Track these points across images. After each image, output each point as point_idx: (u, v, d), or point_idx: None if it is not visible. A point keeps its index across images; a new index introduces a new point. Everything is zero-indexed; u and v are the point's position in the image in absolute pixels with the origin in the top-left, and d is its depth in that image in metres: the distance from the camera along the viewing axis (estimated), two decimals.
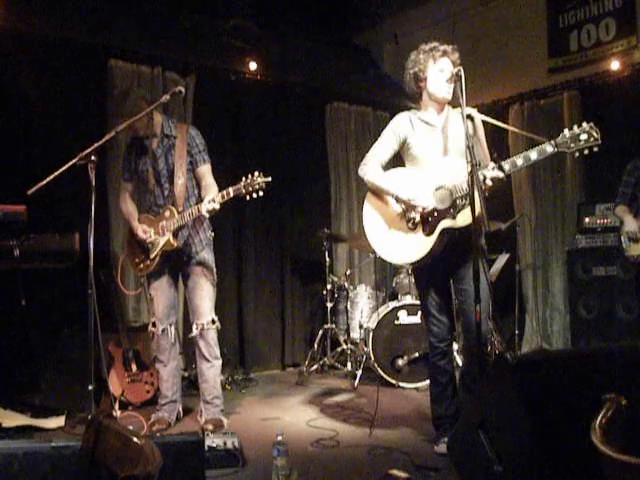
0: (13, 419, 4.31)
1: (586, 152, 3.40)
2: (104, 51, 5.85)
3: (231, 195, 4.00)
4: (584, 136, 3.37)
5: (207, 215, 4.10)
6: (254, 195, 3.94)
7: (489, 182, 3.48)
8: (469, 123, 3.68)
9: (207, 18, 7.04)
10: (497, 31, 7.55)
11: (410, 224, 3.72)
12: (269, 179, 3.93)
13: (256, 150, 6.85)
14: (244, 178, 3.96)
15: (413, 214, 3.71)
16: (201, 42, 6.70)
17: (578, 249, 6.24)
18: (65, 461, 2.74)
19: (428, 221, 3.67)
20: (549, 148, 3.41)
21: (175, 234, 4.30)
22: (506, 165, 3.50)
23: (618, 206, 5.20)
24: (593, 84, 6.65)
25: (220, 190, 4.12)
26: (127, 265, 4.69)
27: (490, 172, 3.49)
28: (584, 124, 3.40)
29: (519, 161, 3.48)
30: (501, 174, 3.48)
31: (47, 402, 4.59)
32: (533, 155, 3.44)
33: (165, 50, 6.24)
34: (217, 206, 4.02)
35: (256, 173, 3.93)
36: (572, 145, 3.38)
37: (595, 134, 3.36)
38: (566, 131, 3.41)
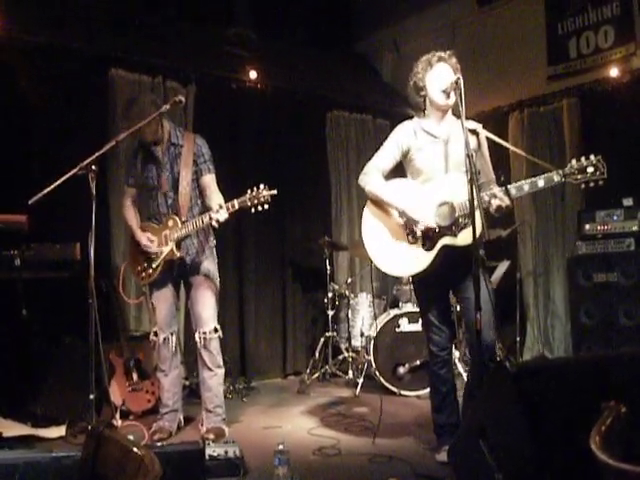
0: (14, 429, 4.30)
1: (591, 185, 3.41)
2: (105, 60, 5.87)
3: (236, 207, 3.99)
4: (591, 169, 3.40)
5: (216, 225, 4.05)
6: (259, 208, 3.93)
7: (494, 206, 3.50)
8: (473, 138, 3.68)
9: (207, 27, 7.07)
10: (496, 39, 7.57)
11: (411, 237, 3.71)
12: (275, 192, 3.93)
13: (256, 158, 6.87)
14: (249, 190, 3.95)
15: (415, 228, 3.70)
16: (201, 51, 6.72)
17: (579, 256, 6.22)
18: (66, 471, 2.75)
19: (429, 236, 3.66)
20: (556, 177, 3.45)
21: (178, 244, 4.30)
22: (513, 190, 3.53)
23: None
24: (592, 91, 6.65)
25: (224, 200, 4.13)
26: (129, 273, 4.69)
27: (497, 201, 3.51)
28: (592, 156, 3.42)
29: (526, 187, 3.51)
30: (507, 201, 3.51)
31: (48, 412, 4.59)
32: (540, 183, 3.48)
33: (166, 59, 6.26)
34: (227, 215, 3.99)
35: (262, 186, 3.93)
36: (579, 177, 3.41)
37: (602, 167, 3.39)
38: (574, 162, 3.44)
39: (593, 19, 6.72)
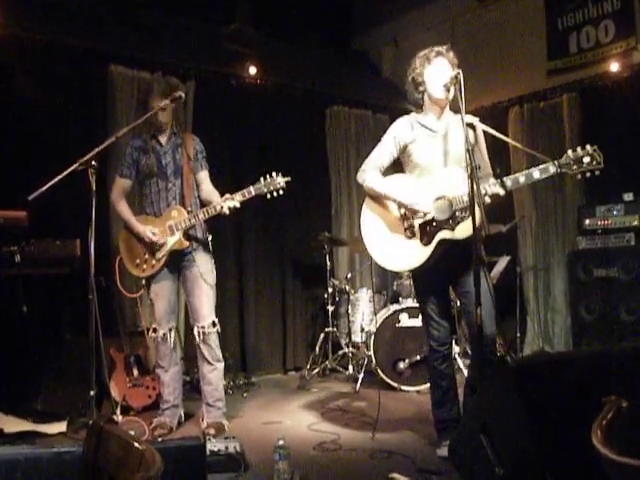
0: (15, 425, 4.31)
1: (588, 175, 3.39)
2: (104, 57, 5.86)
3: (252, 194, 4.12)
4: (587, 159, 3.36)
5: (228, 213, 4.16)
6: (274, 194, 4.10)
7: (488, 199, 3.49)
8: (471, 132, 3.67)
9: (207, 23, 7.05)
10: (496, 33, 7.55)
11: (408, 232, 3.71)
12: (289, 179, 4.11)
13: (256, 154, 6.85)
14: (262, 178, 4.10)
15: (412, 221, 3.70)
16: (201, 47, 6.71)
17: (579, 251, 6.22)
18: (67, 466, 2.73)
19: (426, 230, 3.66)
20: (552, 168, 3.42)
21: (186, 234, 4.30)
22: (508, 182, 3.51)
23: None
24: (593, 86, 6.63)
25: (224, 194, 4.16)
26: (124, 267, 4.61)
27: (491, 188, 3.49)
28: (587, 146, 3.39)
29: (521, 179, 3.49)
30: (502, 191, 3.49)
31: (49, 407, 4.59)
32: (536, 174, 3.46)
33: (165, 55, 6.24)
34: (237, 204, 4.13)
35: (274, 173, 4.10)
36: (575, 167, 3.38)
37: (598, 157, 3.36)
38: (570, 152, 3.41)
39: (593, 13, 6.70)
